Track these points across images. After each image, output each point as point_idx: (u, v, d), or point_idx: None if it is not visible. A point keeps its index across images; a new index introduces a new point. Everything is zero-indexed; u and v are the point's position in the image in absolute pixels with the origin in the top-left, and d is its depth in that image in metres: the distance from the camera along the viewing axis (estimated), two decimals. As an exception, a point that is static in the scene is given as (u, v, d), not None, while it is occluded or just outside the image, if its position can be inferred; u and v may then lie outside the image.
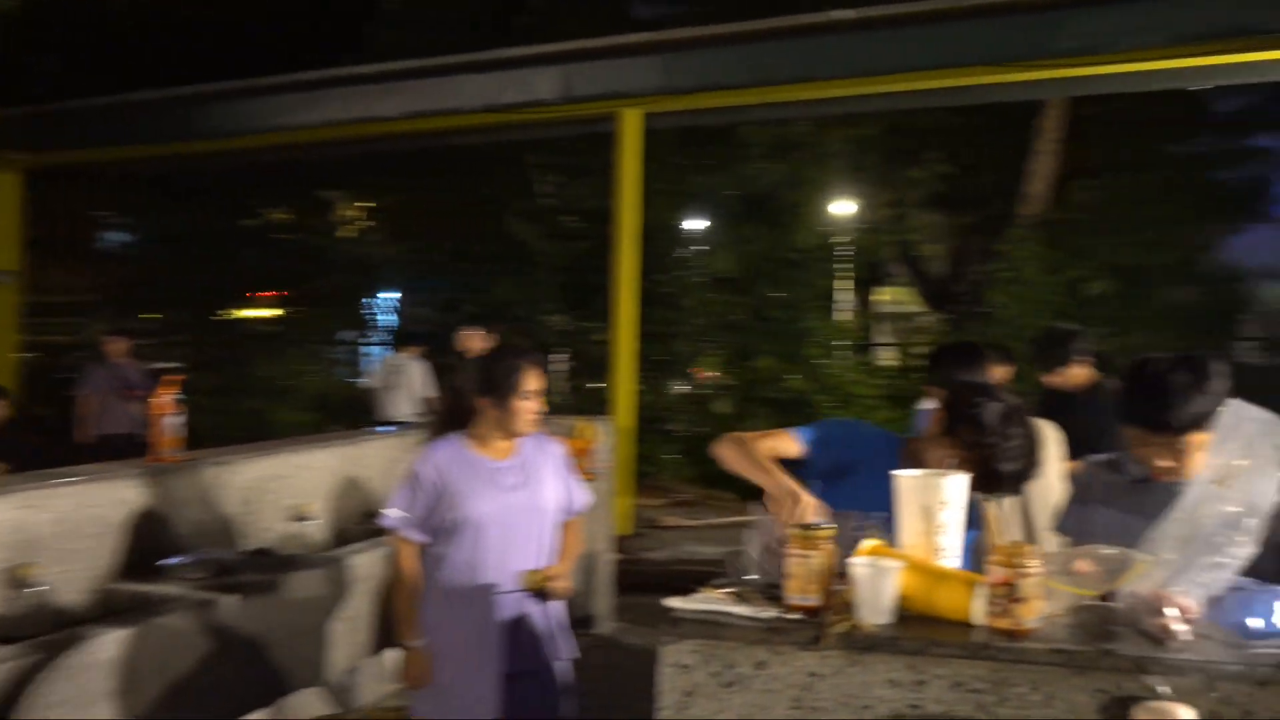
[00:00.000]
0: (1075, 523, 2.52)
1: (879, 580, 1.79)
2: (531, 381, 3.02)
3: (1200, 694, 1.58)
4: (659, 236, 11.64)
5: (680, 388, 12.47)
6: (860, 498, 2.32)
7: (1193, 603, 1.67)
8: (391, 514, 3.02)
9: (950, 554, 2.00)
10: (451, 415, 3.15)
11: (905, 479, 2.05)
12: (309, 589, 3.85)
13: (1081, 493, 2.54)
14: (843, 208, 14.82)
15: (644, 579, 7.44)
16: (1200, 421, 2.26)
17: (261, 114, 9.90)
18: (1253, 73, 8.68)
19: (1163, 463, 2.32)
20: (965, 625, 1.78)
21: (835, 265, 14.45)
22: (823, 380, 11.82)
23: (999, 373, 5.67)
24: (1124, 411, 2.37)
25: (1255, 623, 1.64)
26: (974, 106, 13.29)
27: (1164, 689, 1.58)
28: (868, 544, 1.94)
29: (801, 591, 1.85)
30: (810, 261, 12.94)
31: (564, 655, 3.14)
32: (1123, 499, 2.40)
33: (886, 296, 20.79)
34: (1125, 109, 13.28)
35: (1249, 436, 1.72)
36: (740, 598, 1.95)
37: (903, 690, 1.73)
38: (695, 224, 13.40)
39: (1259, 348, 13.84)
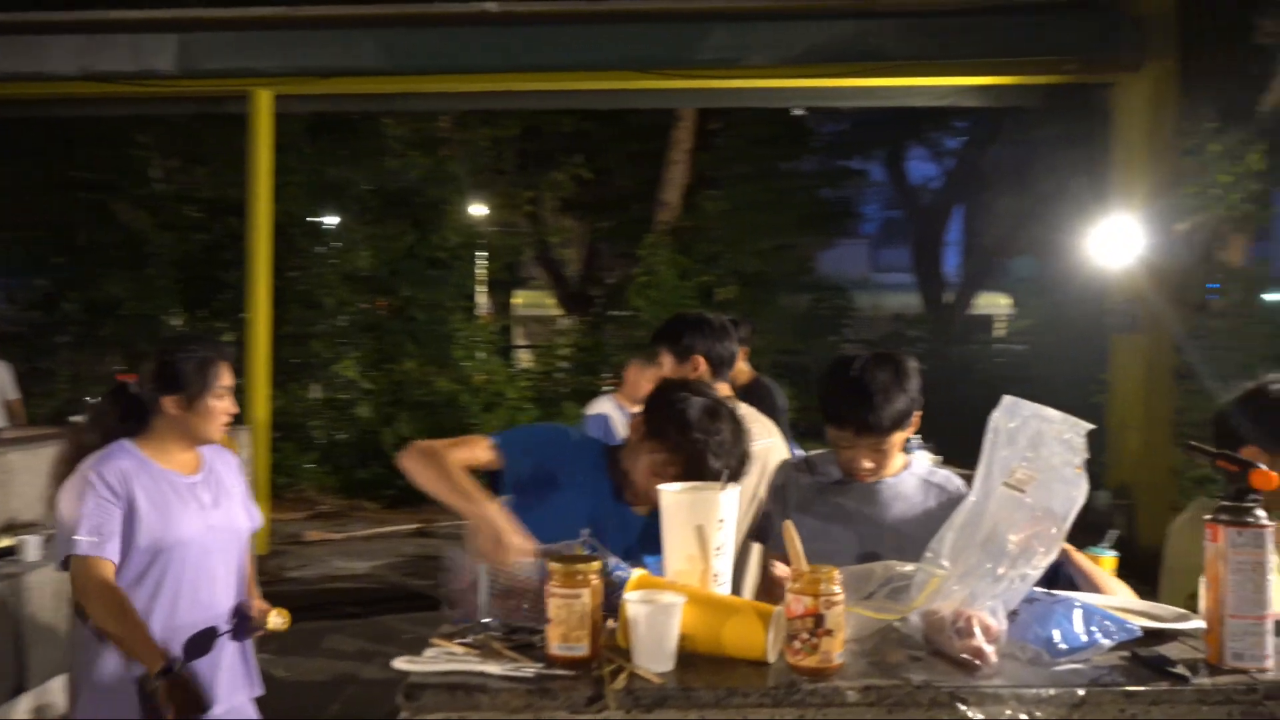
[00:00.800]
0: (775, 530, 2.40)
1: (661, 620, 1.51)
2: (226, 377, 2.50)
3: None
4: (293, 230, 10.81)
5: (317, 392, 11.65)
6: (560, 513, 2.06)
7: (995, 621, 1.54)
8: (80, 537, 2.37)
9: (725, 579, 1.76)
10: (115, 420, 2.53)
11: (674, 495, 1.79)
12: None
13: (778, 497, 2.44)
14: (483, 208, 14.62)
15: (288, 601, 6.75)
16: (903, 420, 2.22)
17: None
18: (870, 97, 9.47)
19: (867, 464, 2.26)
20: (759, 664, 1.55)
21: (476, 266, 14.22)
22: (469, 383, 11.52)
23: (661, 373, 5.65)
24: (828, 414, 2.29)
25: (1058, 637, 1.54)
26: (613, 113, 13.61)
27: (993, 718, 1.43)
28: (635, 574, 1.66)
29: (566, 640, 1.52)
30: (453, 262, 12.59)
31: (254, 693, 2.72)
32: (821, 503, 2.31)
33: (520, 300, 20.90)
34: (744, 125, 14.16)
35: (1035, 435, 1.63)
36: (485, 650, 1.59)
37: (697, 750, 1.46)
38: (331, 218, 12.62)
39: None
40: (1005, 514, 1.59)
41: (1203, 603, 1.67)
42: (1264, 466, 1.53)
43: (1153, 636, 1.66)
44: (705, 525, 1.72)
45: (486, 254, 14.50)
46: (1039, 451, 1.61)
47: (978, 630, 1.52)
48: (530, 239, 15.72)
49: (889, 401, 2.20)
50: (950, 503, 2.32)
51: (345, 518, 9.99)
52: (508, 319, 17.61)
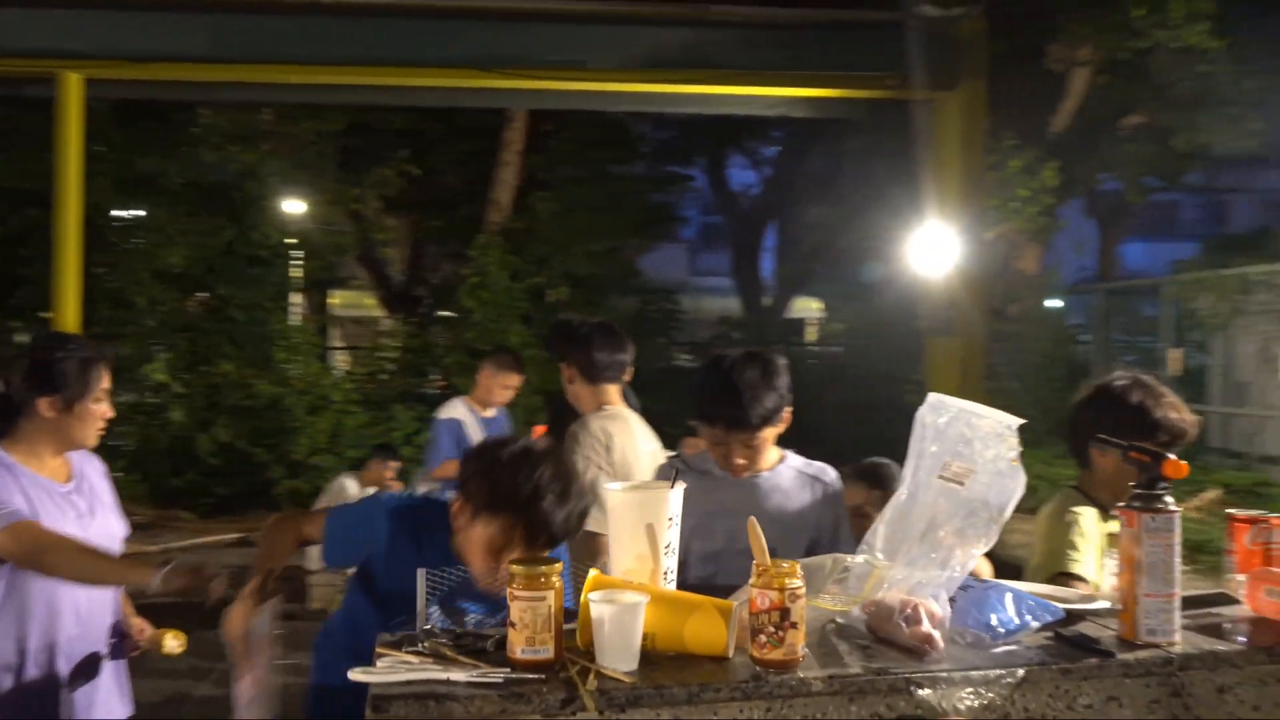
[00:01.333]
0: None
1: (627, 619, 1.51)
2: (106, 380, 2.34)
3: (962, 702, 1.52)
4: (101, 223, 10.14)
5: (126, 395, 10.94)
6: (409, 587, 2.01)
7: (940, 608, 1.62)
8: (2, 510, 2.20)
9: (673, 578, 1.78)
10: None
11: (623, 494, 1.79)
12: None
13: None
14: (305, 204, 14.10)
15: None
16: (772, 416, 2.33)
17: None
18: (703, 104, 9.69)
19: (740, 460, 2.36)
20: (719, 660, 1.57)
21: (296, 264, 13.70)
22: (293, 386, 11.08)
23: (512, 380, 5.61)
24: (701, 412, 2.39)
25: (995, 621, 1.63)
26: (443, 111, 13.39)
27: (946, 701, 1.50)
28: (591, 574, 1.65)
29: (531, 643, 1.50)
30: (275, 260, 12.09)
31: (127, 713, 2.59)
32: (701, 499, 2.38)
33: (337, 300, 20.29)
34: (576, 127, 14.22)
35: (965, 430, 1.71)
36: (438, 658, 1.55)
37: (669, 748, 1.47)
38: (141, 211, 11.88)
39: (688, 352, 15.52)
40: (944, 506, 1.67)
41: (1107, 583, 1.80)
42: (1173, 456, 1.67)
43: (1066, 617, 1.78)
44: (655, 524, 1.73)
45: (304, 252, 13.99)
46: (971, 446, 1.69)
47: (925, 618, 1.59)
48: (354, 237, 15.25)
49: (757, 399, 2.31)
50: (828, 494, 2.45)
51: (160, 529, 9.43)
52: (325, 319, 17.06)
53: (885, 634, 1.63)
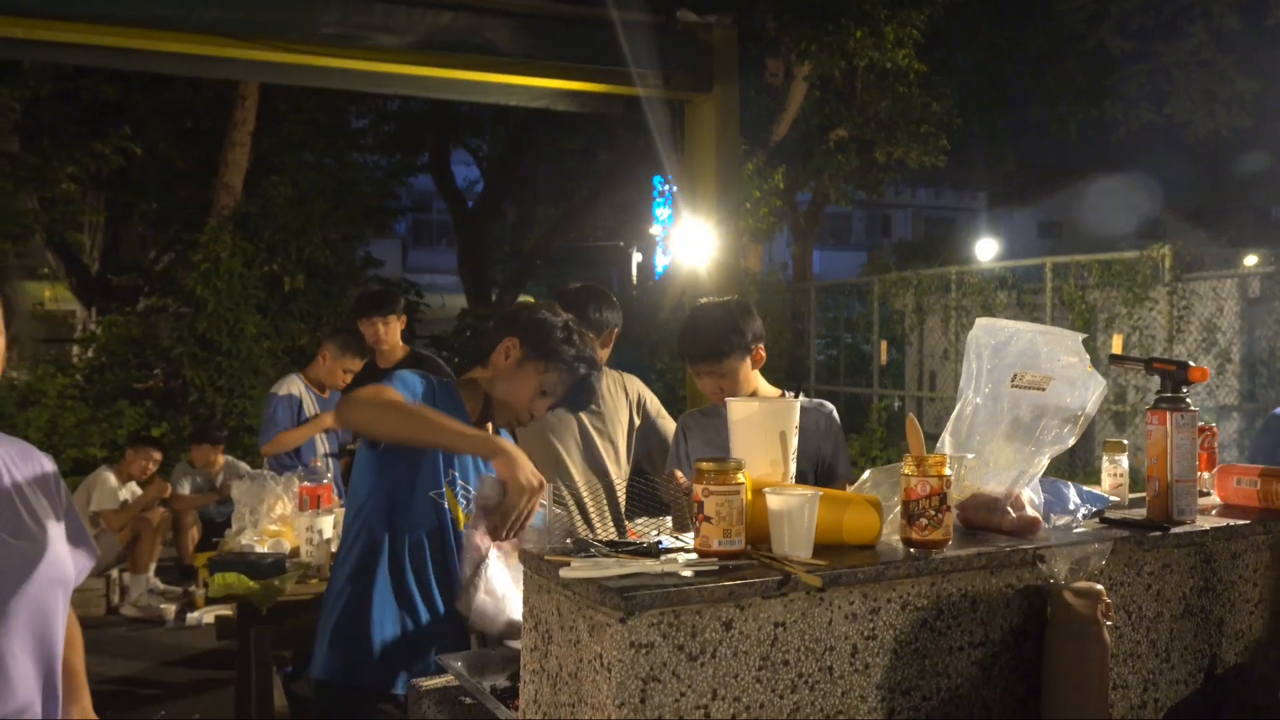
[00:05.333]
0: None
1: (808, 511, 1.62)
2: None
3: (1068, 571, 1.75)
4: None
5: None
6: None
7: (1037, 496, 1.85)
8: None
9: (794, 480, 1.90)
10: None
11: (756, 406, 1.89)
12: None
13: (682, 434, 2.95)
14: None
15: None
16: (731, 348, 2.68)
17: None
18: (474, 91, 9.62)
19: (713, 388, 2.72)
20: (870, 548, 1.72)
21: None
22: None
23: (356, 364, 5.40)
24: (679, 352, 2.82)
25: (1072, 505, 1.88)
26: (158, 85, 12.44)
27: (1059, 570, 1.72)
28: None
29: (728, 535, 1.58)
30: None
31: None
32: (701, 429, 2.90)
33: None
34: (308, 110, 13.68)
35: (1028, 345, 1.93)
36: (617, 560, 1.59)
37: (858, 623, 1.60)
38: None
39: (429, 344, 15.27)
40: (1026, 409, 1.90)
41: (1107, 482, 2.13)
42: (1195, 364, 2.00)
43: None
44: (786, 431, 1.85)
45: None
46: (1037, 359, 1.93)
47: (1028, 505, 1.82)
48: (43, 220, 13.69)
49: (717, 332, 2.69)
50: (828, 423, 2.82)
51: None
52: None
53: (984, 522, 1.84)
